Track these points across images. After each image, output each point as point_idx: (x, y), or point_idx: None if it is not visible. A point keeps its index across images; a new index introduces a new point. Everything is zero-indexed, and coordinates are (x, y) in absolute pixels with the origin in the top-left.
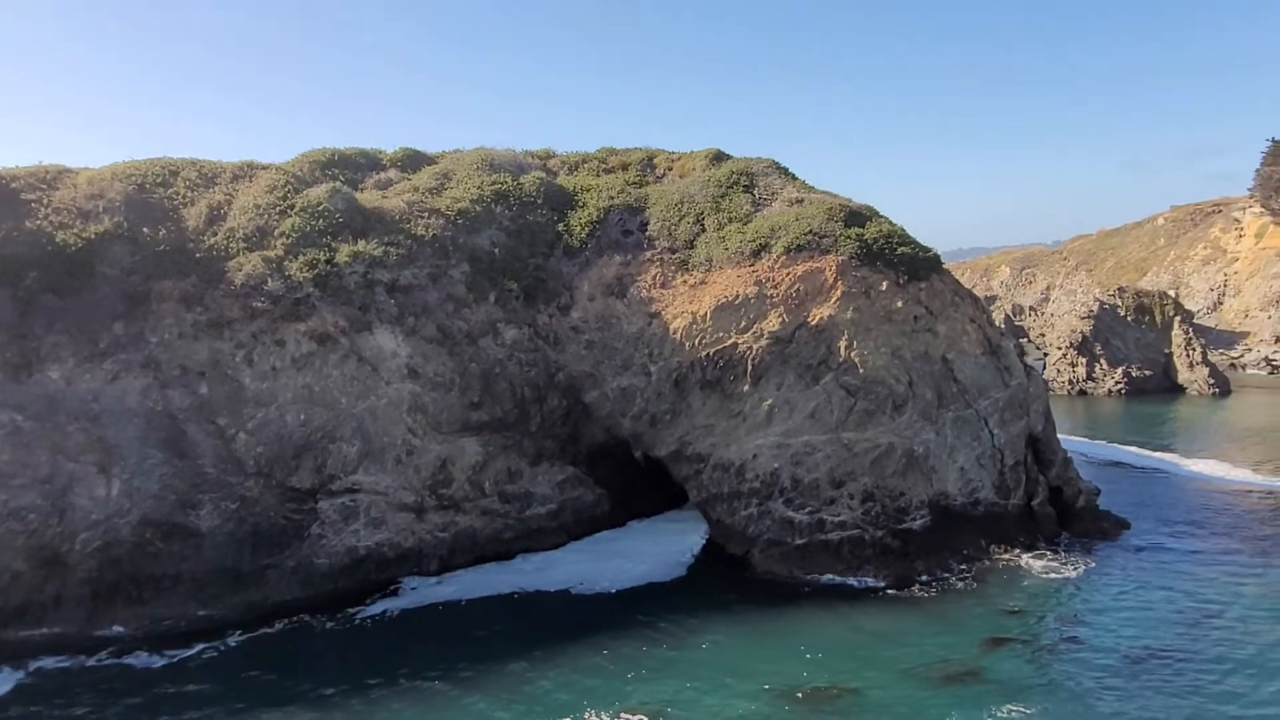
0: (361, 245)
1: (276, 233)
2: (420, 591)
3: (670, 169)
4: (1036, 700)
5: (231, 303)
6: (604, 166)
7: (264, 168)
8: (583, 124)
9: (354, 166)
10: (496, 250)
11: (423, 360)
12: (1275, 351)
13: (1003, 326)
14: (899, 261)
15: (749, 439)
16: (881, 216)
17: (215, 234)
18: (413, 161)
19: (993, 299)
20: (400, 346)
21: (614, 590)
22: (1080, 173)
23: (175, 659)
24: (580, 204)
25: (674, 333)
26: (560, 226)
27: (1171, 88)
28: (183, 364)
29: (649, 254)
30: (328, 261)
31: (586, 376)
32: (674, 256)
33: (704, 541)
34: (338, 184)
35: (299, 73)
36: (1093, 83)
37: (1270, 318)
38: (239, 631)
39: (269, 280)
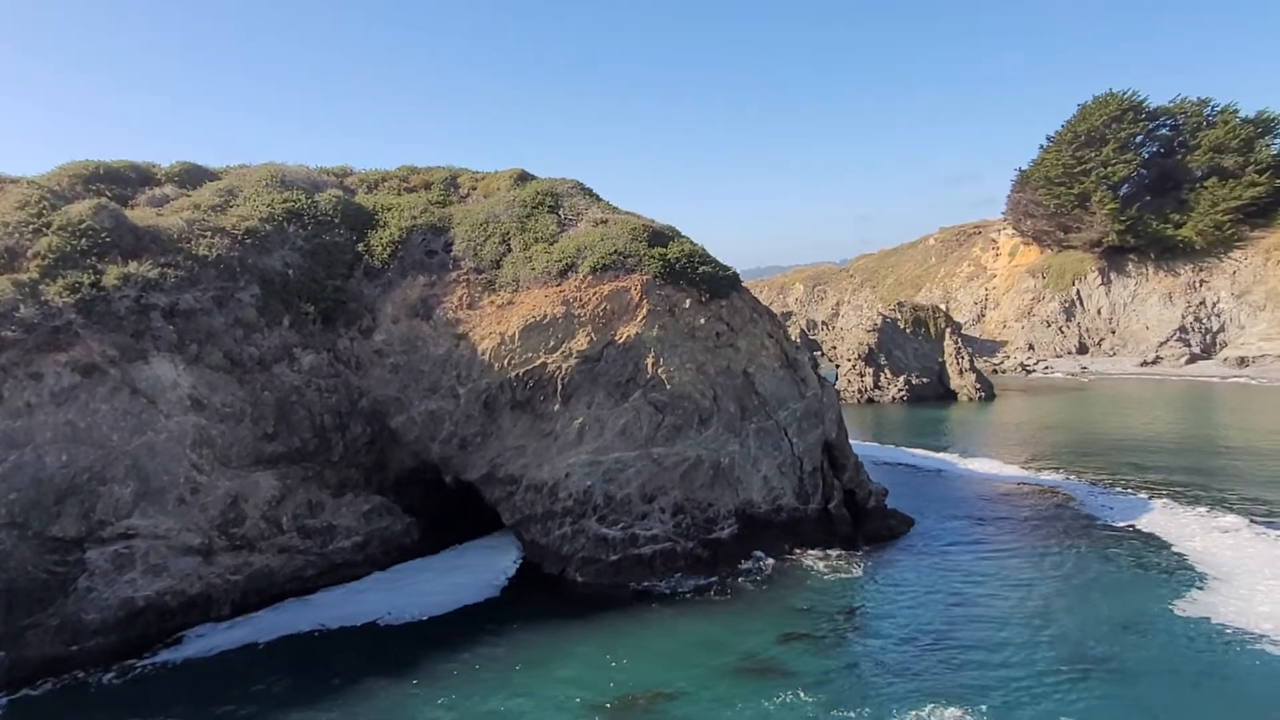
0: (134, 266)
1: (30, 253)
2: (209, 638)
3: (474, 189)
4: (824, 687)
5: None
6: (405, 185)
7: (13, 181)
8: (378, 145)
9: (123, 181)
10: (290, 271)
11: (208, 390)
12: (1028, 357)
13: (798, 341)
14: (700, 280)
15: (561, 458)
16: (683, 237)
17: None
18: (192, 177)
19: (789, 315)
20: (181, 376)
21: (425, 618)
22: (862, 197)
23: None
24: (381, 223)
25: (482, 354)
26: (360, 246)
27: (938, 120)
28: None
29: (455, 274)
30: (93, 285)
31: (392, 401)
32: (480, 277)
33: (518, 562)
34: (104, 200)
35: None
36: (871, 115)
37: (1023, 327)
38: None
39: (21, 306)
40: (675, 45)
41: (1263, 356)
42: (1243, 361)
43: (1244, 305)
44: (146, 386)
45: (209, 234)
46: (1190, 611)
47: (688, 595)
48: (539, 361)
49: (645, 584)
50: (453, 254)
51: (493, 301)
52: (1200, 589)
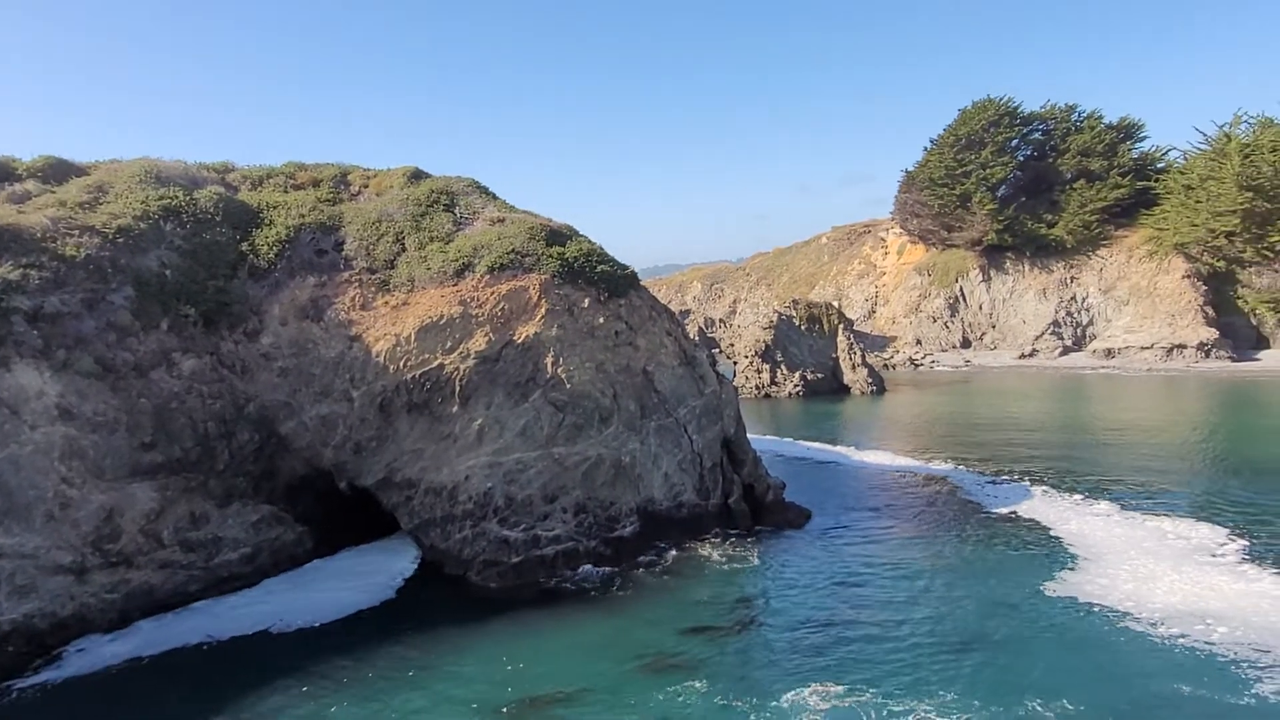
0: None
1: None
2: (92, 653)
3: (366, 186)
4: (722, 677)
5: None
6: (292, 183)
7: None
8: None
9: None
10: (168, 272)
11: (78, 399)
12: (916, 352)
13: (696, 338)
14: (599, 279)
15: (460, 460)
16: (581, 236)
17: None
18: (57, 172)
19: (687, 313)
20: (48, 384)
21: (318, 624)
22: (760, 196)
23: None
24: (267, 222)
25: (377, 355)
26: (245, 246)
27: (832, 123)
28: None
29: (347, 275)
30: None
31: (281, 406)
32: (374, 277)
33: (416, 563)
34: None
35: None
36: (767, 115)
37: (911, 323)
38: None
39: None
40: (567, 44)
41: (1127, 348)
42: (1109, 353)
43: (1110, 300)
44: (9, 396)
45: (77, 233)
46: (1060, 591)
47: (590, 593)
48: (436, 362)
49: (548, 583)
50: (344, 253)
51: (387, 302)
52: (1071, 569)
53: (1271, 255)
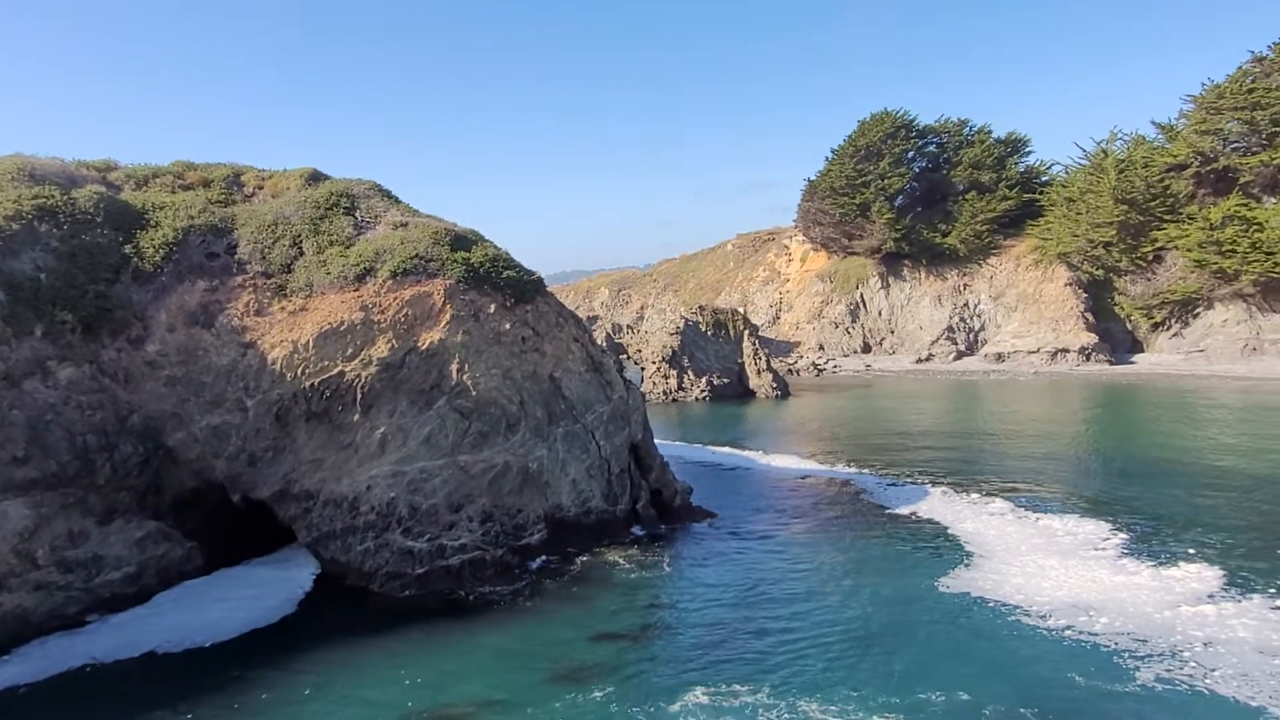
0: None
1: None
2: None
3: (261, 188)
4: (630, 683)
5: None
6: (181, 183)
7: None
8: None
9: None
10: (43, 275)
11: None
12: (819, 357)
13: (604, 344)
14: (505, 284)
15: (362, 470)
16: (486, 241)
17: None
18: None
19: (594, 319)
20: None
21: (210, 644)
22: (663, 202)
23: None
24: (153, 223)
25: (273, 363)
26: (129, 248)
27: (736, 129)
28: None
29: (240, 279)
30: None
31: (169, 417)
32: (269, 281)
33: (314, 576)
34: None
35: None
36: (671, 121)
37: (814, 329)
38: None
39: None
40: (466, 54)
41: (1015, 352)
42: (999, 357)
43: (1000, 306)
44: None
45: None
46: (954, 587)
47: (497, 603)
48: (336, 370)
49: (453, 594)
50: (237, 257)
51: (284, 308)
52: (966, 566)
53: (1144, 264)
